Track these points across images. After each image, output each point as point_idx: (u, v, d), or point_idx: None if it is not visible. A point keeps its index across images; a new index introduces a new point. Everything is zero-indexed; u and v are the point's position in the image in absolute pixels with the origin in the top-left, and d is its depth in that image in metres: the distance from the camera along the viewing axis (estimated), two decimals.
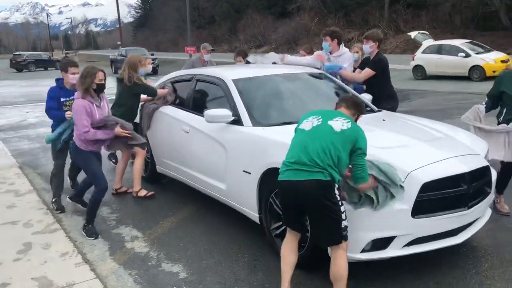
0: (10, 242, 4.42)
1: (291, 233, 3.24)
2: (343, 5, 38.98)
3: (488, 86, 5.41)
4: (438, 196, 3.34)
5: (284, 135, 3.77)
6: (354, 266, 3.29)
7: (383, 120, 4.45)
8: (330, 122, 3.06)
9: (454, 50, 17.14)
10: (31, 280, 3.68)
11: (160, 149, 5.64)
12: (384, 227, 3.30)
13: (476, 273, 3.59)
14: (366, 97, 5.22)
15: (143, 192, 5.54)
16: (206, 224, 4.74)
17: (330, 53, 5.75)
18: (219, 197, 4.61)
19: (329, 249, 3.19)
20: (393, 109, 5.31)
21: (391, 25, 34.88)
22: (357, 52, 6.34)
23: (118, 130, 4.55)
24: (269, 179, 3.88)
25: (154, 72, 27.78)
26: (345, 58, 5.64)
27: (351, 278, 3.12)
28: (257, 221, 4.10)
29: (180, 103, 5.46)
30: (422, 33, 18.75)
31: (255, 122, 4.26)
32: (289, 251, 3.20)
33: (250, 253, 4.05)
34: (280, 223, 3.86)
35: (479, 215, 3.73)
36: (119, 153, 6.62)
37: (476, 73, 16.42)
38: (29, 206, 5.40)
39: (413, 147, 3.65)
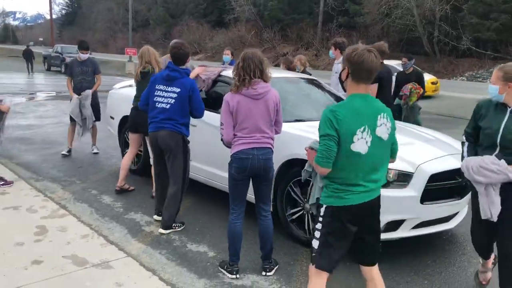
0: (21, 225, 4.44)
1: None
2: (279, 20, 40.28)
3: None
4: (440, 186, 3.96)
5: (299, 130, 4.31)
6: None
7: None
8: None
9: (391, 70, 18.54)
10: (62, 258, 3.80)
11: None
12: (396, 211, 3.84)
13: (462, 254, 4.25)
14: None
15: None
16: (212, 212, 5.04)
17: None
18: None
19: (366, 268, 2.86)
20: None
21: (323, 43, 36.61)
22: (297, 63, 7.27)
23: None
24: (287, 170, 4.32)
25: None
26: (339, 65, 6.24)
27: None
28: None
29: None
30: None
31: None
32: None
33: None
34: (297, 209, 4.30)
35: (465, 205, 4.41)
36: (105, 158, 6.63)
37: None
38: (23, 193, 5.38)
39: (416, 145, 4.28)
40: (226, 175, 4.74)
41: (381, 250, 2.99)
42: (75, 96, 7.22)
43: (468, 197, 4.37)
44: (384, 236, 3.84)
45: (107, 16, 65.81)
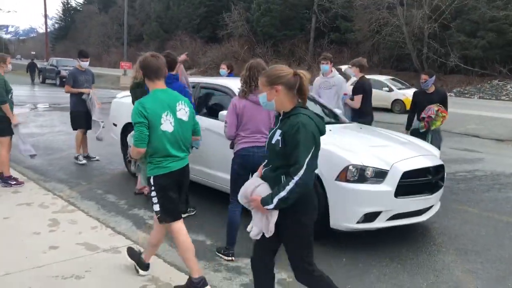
0: (35, 218, 4.89)
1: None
2: (272, 36, 41.14)
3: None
4: (412, 183, 4.47)
5: None
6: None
7: (360, 128, 5.57)
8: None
9: (378, 85, 19.20)
10: (76, 245, 4.25)
11: None
12: (373, 204, 4.34)
13: (433, 244, 4.75)
14: (337, 111, 6.37)
15: None
16: (209, 209, 5.51)
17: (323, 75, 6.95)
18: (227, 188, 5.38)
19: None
20: (367, 123, 6.38)
21: (315, 59, 37.42)
22: None
23: None
24: None
25: None
26: (337, 78, 6.73)
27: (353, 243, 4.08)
28: None
29: None
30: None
31: None
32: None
33: None
34: None
35: (436, 201, 4.92)
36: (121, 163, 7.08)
37: (398, 106, 18.58)
38: (33, 192, 5.82)
39: (392, 147, 4.80)
40: (221, 175, 5.32)
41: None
42: (87, 90, 7.56)
43: (439, 193, 4.90)
44: (362, 226, 4.38)
45: (101, 30, 66.38)
